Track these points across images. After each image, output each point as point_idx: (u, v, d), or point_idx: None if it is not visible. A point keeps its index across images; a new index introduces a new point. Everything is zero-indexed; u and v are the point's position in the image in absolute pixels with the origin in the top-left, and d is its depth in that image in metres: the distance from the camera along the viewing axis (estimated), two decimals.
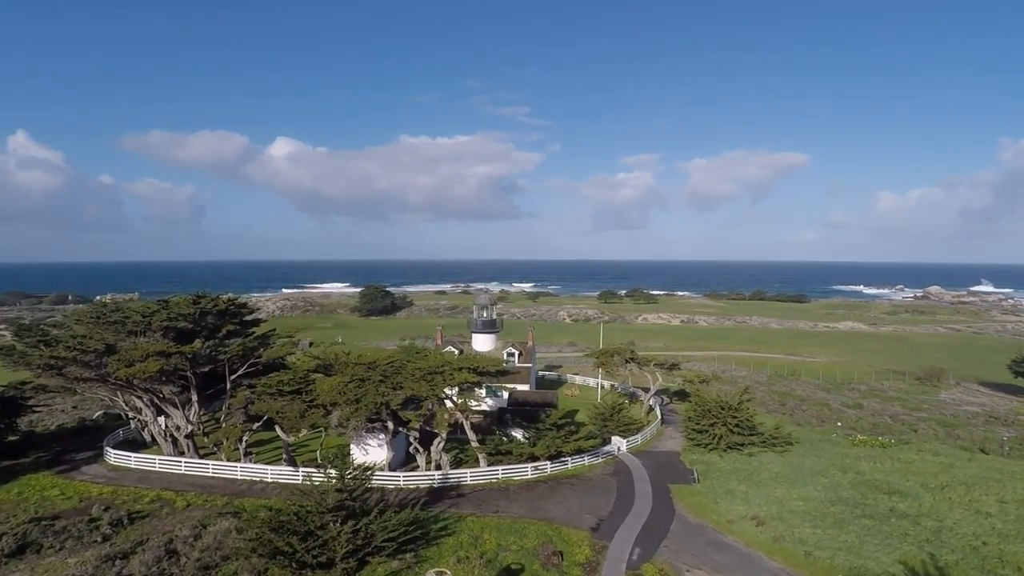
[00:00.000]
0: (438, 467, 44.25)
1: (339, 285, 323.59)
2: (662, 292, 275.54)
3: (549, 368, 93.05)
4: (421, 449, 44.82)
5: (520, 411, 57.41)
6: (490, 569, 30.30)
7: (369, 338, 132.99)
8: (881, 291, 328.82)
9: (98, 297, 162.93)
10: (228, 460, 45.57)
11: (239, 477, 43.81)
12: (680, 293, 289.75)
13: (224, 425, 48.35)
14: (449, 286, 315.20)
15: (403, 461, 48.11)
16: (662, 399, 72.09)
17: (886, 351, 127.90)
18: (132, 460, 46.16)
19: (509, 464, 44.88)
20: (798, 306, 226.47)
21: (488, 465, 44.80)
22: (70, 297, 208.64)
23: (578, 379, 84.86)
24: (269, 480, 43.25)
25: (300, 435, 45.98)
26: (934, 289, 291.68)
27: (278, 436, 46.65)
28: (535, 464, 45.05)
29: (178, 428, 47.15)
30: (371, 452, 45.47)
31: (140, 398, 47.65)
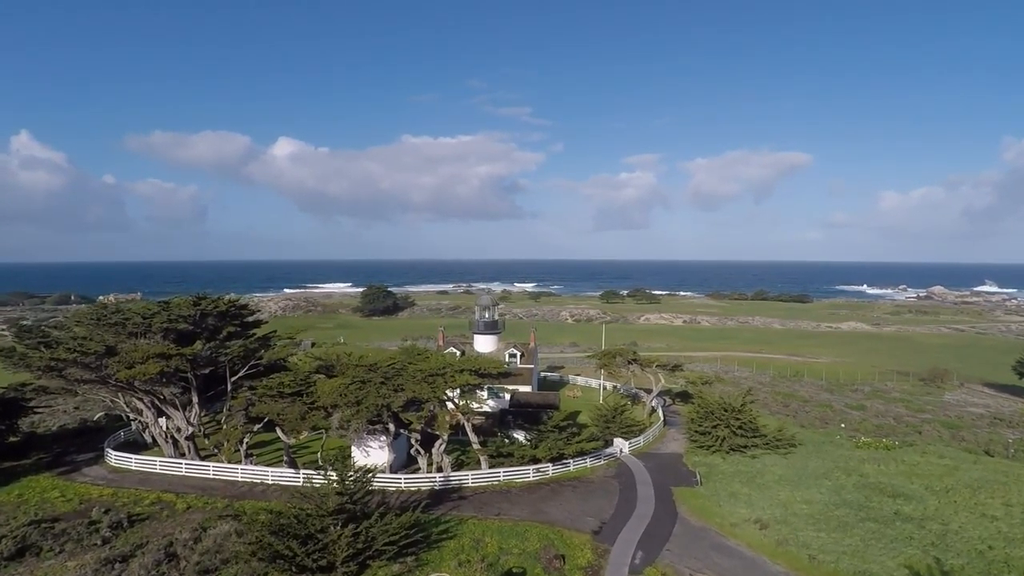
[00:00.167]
0: (439, 469, 44.08)
1: (341, 285, 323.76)
2: (664, 292, 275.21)
3: (551, 369, 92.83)
4: (422, 451, 44.66)
5: (522, 413, 57.26)
6: (491, 572, 30.12)
7: (371, 338, 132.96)
8: (884, 291, 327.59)
9: (101, 297, 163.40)
10: (229, 462, 45.47)
11: (240, 479, 43.70)
12: (682, 293, 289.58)
13: (225, 427, 48.30)
14: (451, 286, 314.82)
15: (404, 463, 47.92)
16: (664, 400, 71.78)
17: (889, 352, 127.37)
18: (133, 462, 46.09)
19: (511, 466, 44.68)
20: (801, 306, 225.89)
21: (490, 467, 44.59)
22: (73, 297, 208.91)
23: (580, 380, 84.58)
24: (270, 482, 43.12)
25: (301, 437, 45.86)
26: (937, 289, 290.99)
27: (279, 438, 46.51)
28: (537, 466, 44.81)
29: (179, 430, 47.03)
30: (372, 454, 45.35)
31: (141, 400, 47.55)
